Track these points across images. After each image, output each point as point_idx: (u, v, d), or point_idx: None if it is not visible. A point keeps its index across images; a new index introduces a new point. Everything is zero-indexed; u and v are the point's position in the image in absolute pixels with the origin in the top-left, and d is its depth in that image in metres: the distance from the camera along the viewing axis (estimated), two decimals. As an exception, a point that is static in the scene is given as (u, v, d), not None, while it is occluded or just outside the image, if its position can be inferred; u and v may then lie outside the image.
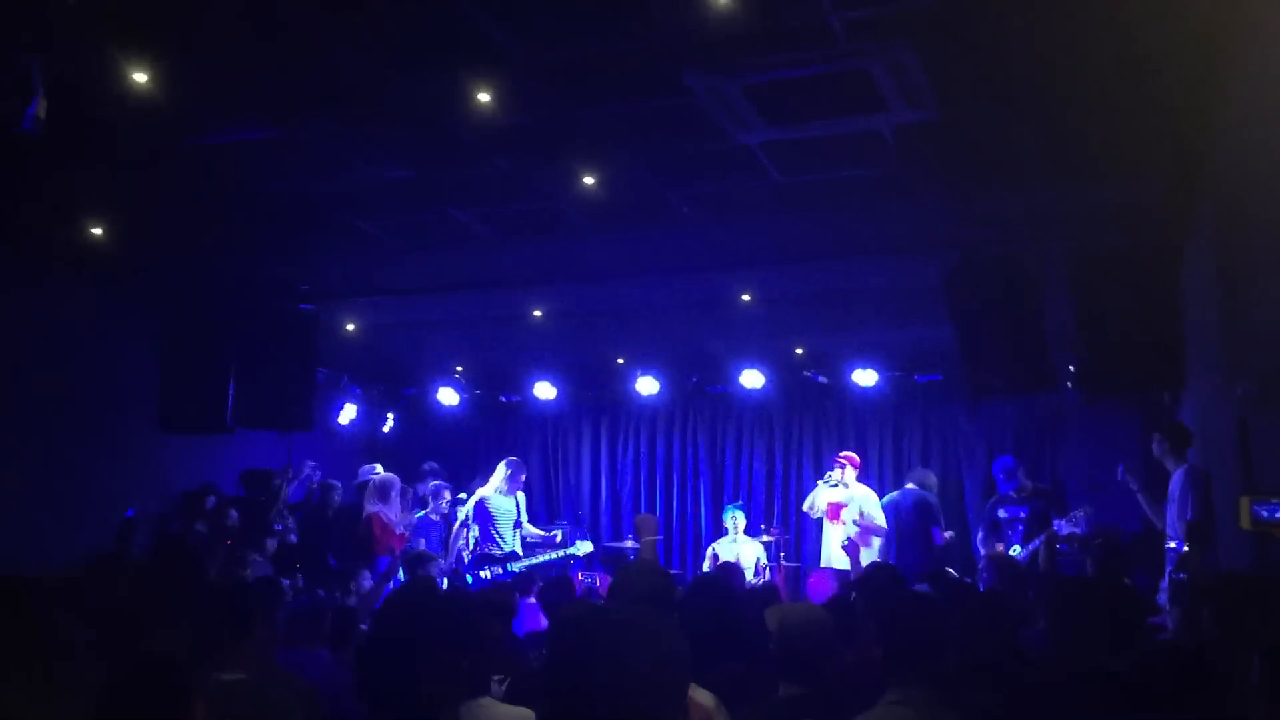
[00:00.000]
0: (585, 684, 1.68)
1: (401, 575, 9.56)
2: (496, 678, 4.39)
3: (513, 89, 6.06)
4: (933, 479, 10.33)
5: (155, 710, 2.01)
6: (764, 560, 10.42)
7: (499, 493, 10.09)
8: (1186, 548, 6.78)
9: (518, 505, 10.23)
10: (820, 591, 9.17)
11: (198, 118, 6.47)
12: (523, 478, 10.35)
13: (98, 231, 7.95)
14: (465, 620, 2.67)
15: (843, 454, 10.52)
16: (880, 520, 9.96)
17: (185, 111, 6.28)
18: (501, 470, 10.19)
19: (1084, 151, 6.75)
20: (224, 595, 4.01)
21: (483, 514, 10.01)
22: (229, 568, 8.19)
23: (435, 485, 10.74)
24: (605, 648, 1.70)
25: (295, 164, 7.27)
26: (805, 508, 10.66)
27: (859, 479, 10.38)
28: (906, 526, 9.69)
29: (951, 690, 3.02)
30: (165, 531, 8.95)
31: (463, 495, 10.84)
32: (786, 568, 10.93)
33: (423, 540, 10.22)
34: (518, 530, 10.18)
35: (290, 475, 10.21)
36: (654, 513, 12.66)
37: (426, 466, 11.40)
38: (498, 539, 9.93)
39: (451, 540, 10.25)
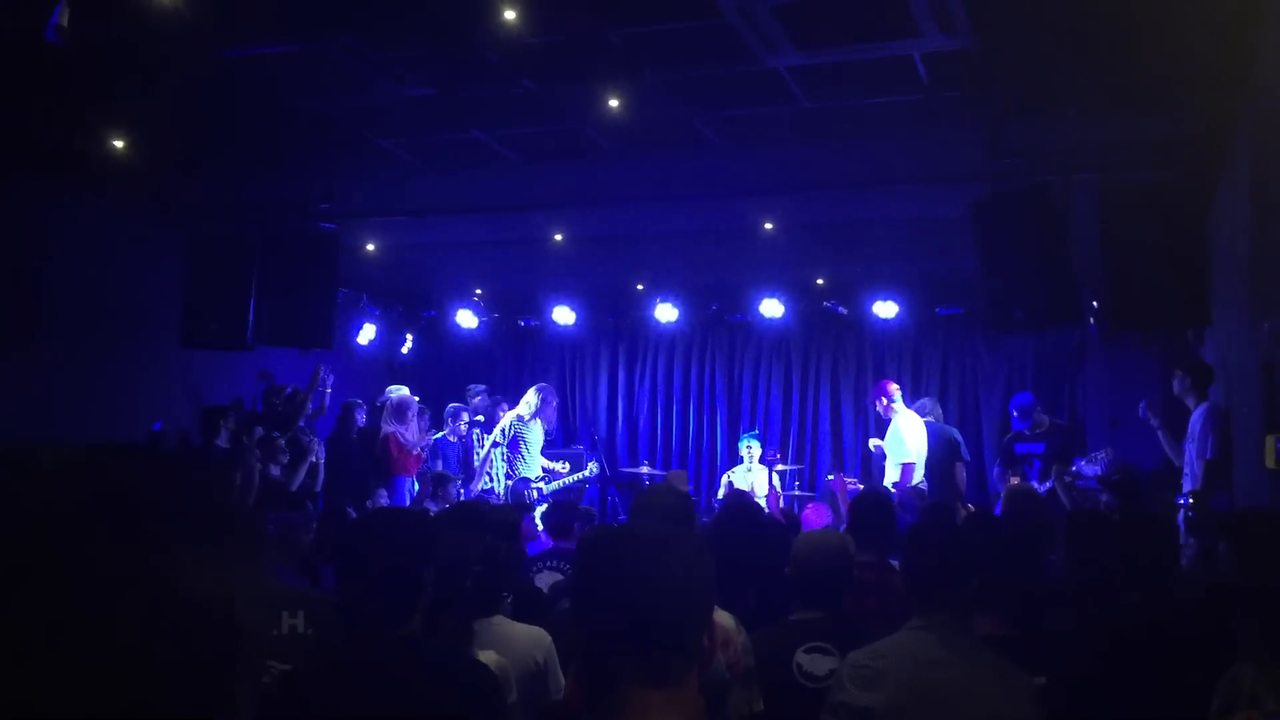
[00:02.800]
0: (614, 600, 1.68)
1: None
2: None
3: (539, 7, 5.97)
4: (939, 411, 10.27)
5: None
6: (778, 489, 10.48)
7: (529, 417, 10.21)
8: (1200, 485, 6.79)
9: (545, 431, 10.44)
10: (813, 524, 9.18)
11: (220, 31, 6.39)
12: (554, 404, 10.49)
13: (121, 146, 7.92)
14: (431, 537, 2.79)
15: (879, 386, 10.37)
16: (904, 454, 9.80)
17: (208, 24, 6.21)
18: (532, 395, 10.30)
19: (1118, 82, 6.65)
20: (245, 510, 4.06)
21: (515, 437, 10.13)
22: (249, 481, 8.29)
23: (453, 407, 10.81)
24: (634, 564, 1.70)
25: (318, 80, 7.21)
26: (872, 446, 10.49)
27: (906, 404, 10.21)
28: (935, 461, 9.60)
29: (972, 617, 3.04)
30: (188, 446, 9.04)
31: (480, 418, 10.92)
32: (800, 497, 11.00)
33: (440, 461, 10.32)
34: (542, 455, 10.40)
35: (314, 387, 10.26)
36: (670, 438, 12.75)
37: (473, 387, 11.48)
38: (525, 462, 10.07)
39: (481, 462, 10.34)
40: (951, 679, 2.69)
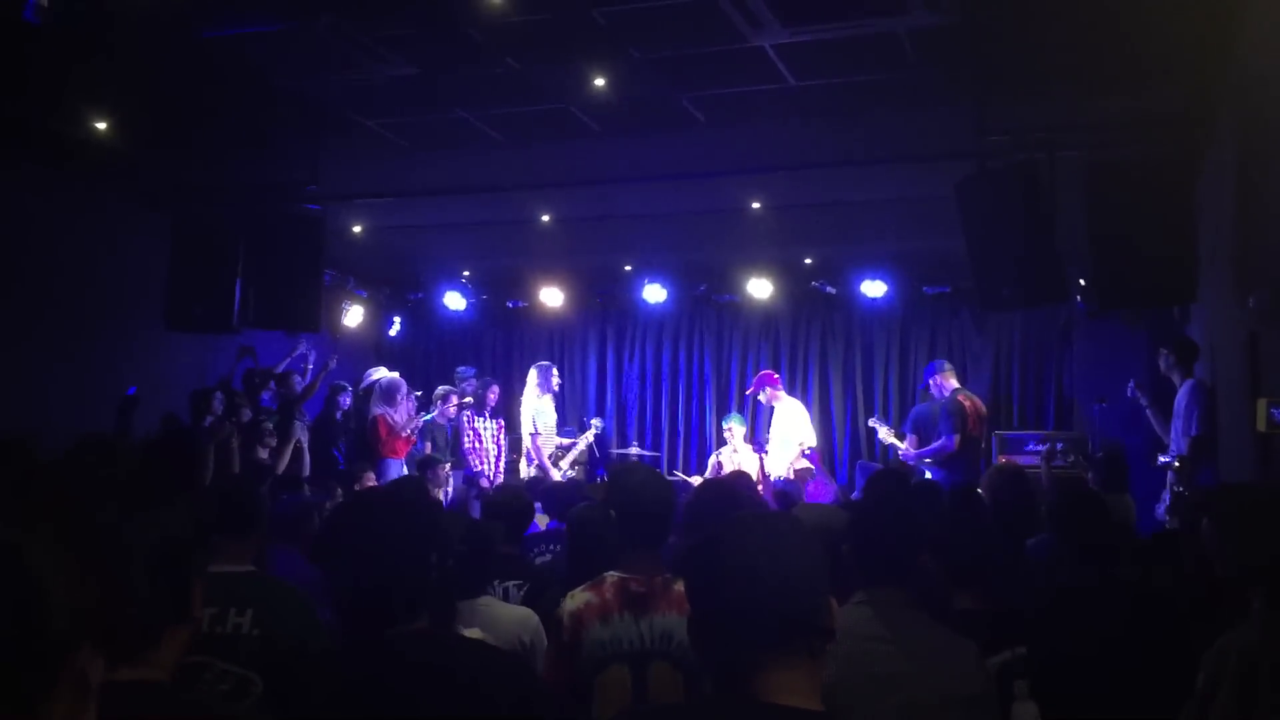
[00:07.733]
0: (754, 592, 1.76)
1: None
2: (514, 584, 4.47)
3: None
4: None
5: (161, 582, 1.99)
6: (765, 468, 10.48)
7: (538, 397, 10.62)
8: (1183, 461, 6.81)
9: (554, 405, 10.92)
10: (816, 499, 9.21)
11: (202, 9, 6.34)
12: (554, 376, 10.86)
13: (103, 128, 7.86)
14: (428, 519, 2.60)
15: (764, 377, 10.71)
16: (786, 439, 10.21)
17: (190, 3, 6.16)
18: (532, 376, 10.75)
19: (1104, 58, 6.63)
20: (227, 489, 3.96)
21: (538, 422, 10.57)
22: (230, 463, 8.32)
23: (443, 389, 10.79)
24: (768, 554, 1.78)
25: (302, 60, 7.15)
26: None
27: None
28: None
29: (925, 592, 3.03)
30: (173, 426, 9.01)
31: (469, 400, 10.90)
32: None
33: (429, 444, 10.30)
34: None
35: (322, 375, 10.37)
36: (659, 418, 12.78)
37: (462, 370, 11.51)
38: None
39: (527, 451, 10.62)
40: (888, 654, 2.66)
